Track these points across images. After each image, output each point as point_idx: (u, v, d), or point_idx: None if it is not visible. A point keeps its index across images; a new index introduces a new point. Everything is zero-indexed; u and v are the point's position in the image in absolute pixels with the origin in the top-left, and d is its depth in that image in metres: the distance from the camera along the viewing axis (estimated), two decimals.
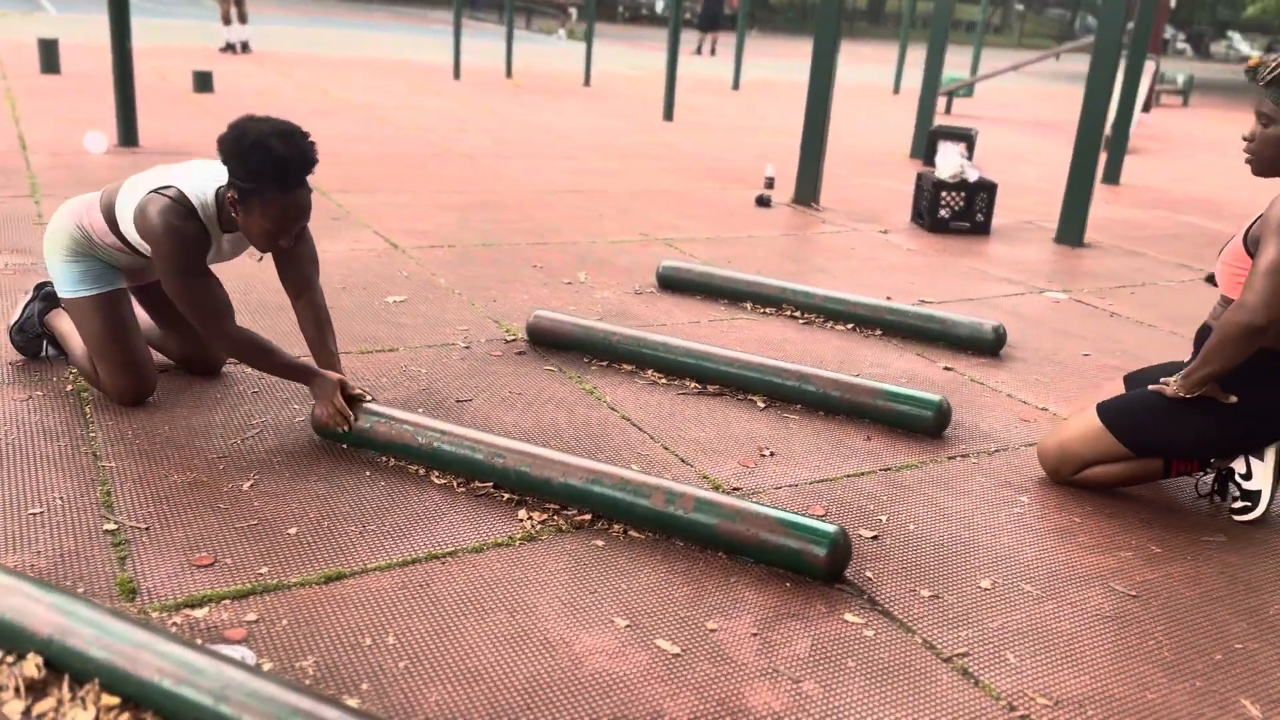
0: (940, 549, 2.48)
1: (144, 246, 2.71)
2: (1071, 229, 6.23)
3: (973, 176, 6.30)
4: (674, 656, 1.99)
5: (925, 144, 9.48)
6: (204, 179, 2.68)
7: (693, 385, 3.40)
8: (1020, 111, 16.39)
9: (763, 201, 6.72)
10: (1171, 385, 2.68)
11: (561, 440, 2.92)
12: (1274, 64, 2.53)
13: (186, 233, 2.58)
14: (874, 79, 20.47)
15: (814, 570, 2.26)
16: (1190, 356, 2.81)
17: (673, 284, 4.50)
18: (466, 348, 3.61)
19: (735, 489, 2.71)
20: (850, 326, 4.20)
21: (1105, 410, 2.79)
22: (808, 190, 6.82)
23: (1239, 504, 2.75)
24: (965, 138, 9.41)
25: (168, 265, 2.59)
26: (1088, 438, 2.80)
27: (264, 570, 2.18)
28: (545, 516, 2.48)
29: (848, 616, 2.17)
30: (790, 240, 5.80)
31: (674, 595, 2.20)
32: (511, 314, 4.01)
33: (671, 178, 7.56)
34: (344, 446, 2.76)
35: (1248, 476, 2.72)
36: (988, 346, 3.97)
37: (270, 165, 2.43)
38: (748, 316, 4.25)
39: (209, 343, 2.69)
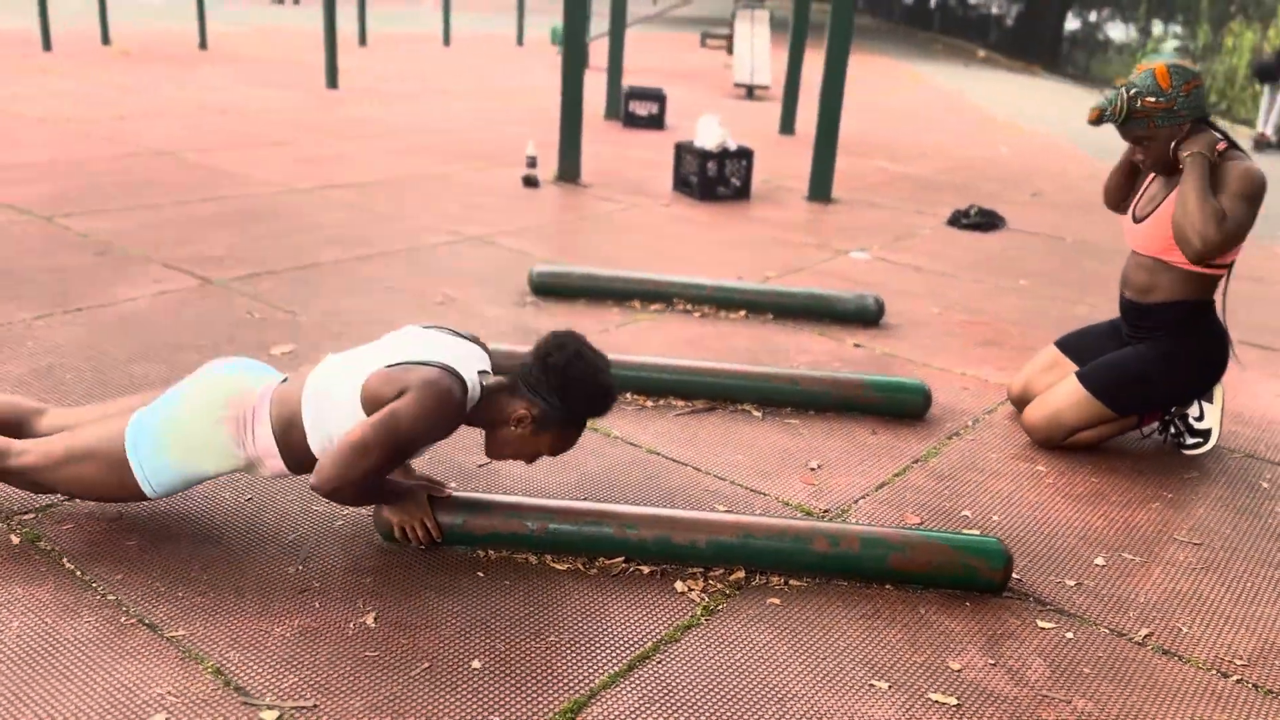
0: (1034, 534, 2.69)
1: (312, 453, 2.25)
2: (821, 187, 6.73)
3: (732, 146, 6.58)
4: (957, 708, 2.02)
5: (622, 104, 9.70)
6: (469, 367, 2.27)
7: (680, 404, 3.34)
8: (663, 60, 17.13)
9: (530, 182, 6.57)
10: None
11: (619, 490, 2.77)
12: (1113, 109, 2.91)
13: (448, 420, 2.17)
14: (494, 29, 20.37)
15: (990, 585, 2.37)
16: (1121, 319, 3.23)
17: (551, 289, 4.32)
18: None
19: (826, 511, 2.74)
20: (743, 314, 4.29)
21: (1090, 382, 3.14)
22: (572, 167, 6.76)
23: (1192, 441, 3.23)
24: (657, 97, 9.76)
25: (396, 423, 2.11)
26: (1078, 408, 3.14)
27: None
28: (701, 584, 2.36)
29: (1041, 624, 2.31)
30: (592, 223, 5.74)
31: (890, 640, 2.21)
32: None
33: (414, 160, 7.13)
34: (420, 547, 2.43)
35: (1200, 418, 3.20)
36: (872, 317, 4.25)
37: (594, 403, 2.26)
38: (650, 317, 4.20)
39: (315, 488, 2.21)
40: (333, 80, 10.74)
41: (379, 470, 2.15)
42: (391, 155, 7.25)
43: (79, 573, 2.24)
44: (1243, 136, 12.85)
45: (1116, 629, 2.31)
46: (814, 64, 9.38)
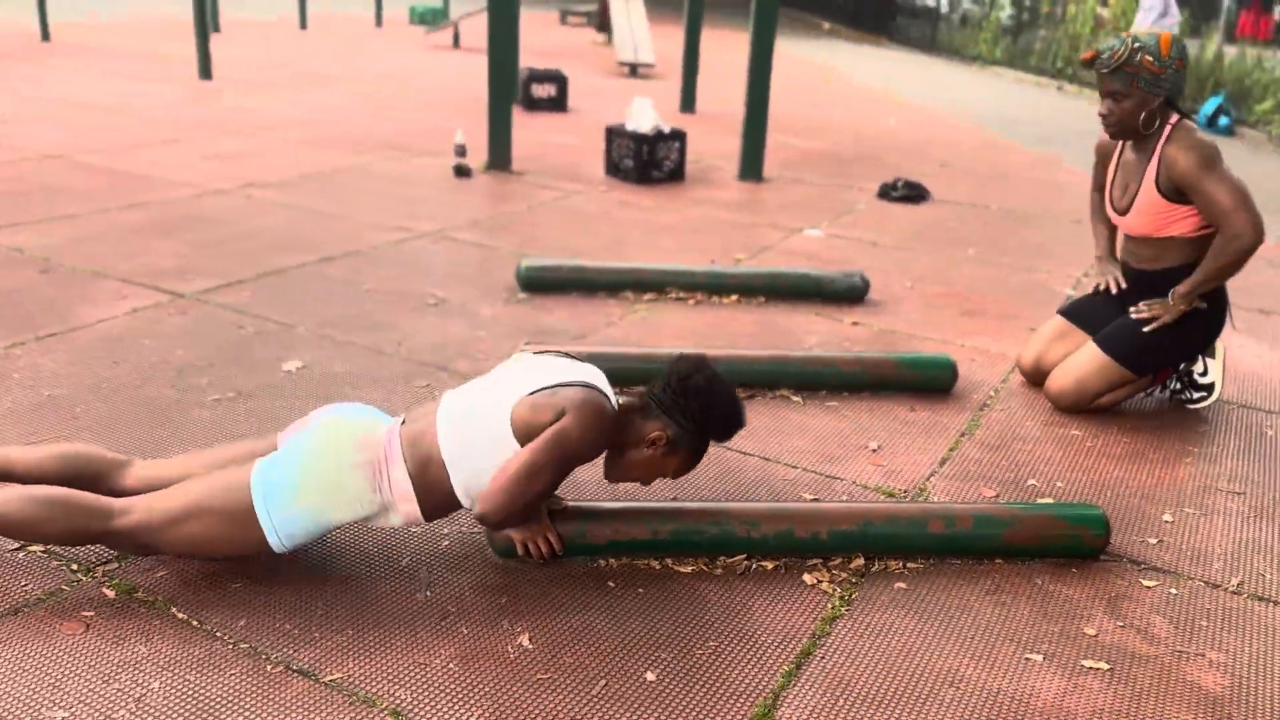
0: (1100, 497, 2.83)
1: (454, 492, 2.20)
2: (752, 167, 6.81)
3: (665, 128, 6.58)
4: (1111, 672, 2.12)
5: (521, 88, 9.54)
6: (604, 386, 2.24)
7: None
8: (527, 40, 16.84)
9: (462, 171, 6.41)
10: (1170, 303, 3.21)
11: (697, 487, 2.76)
12: (1112, 53, 3.10)
13: (607, 435, 2.16)
14: (349, 10, 19.66)
15: (1092, 551, 2.48)
16: (1130, 288, 3.41)
17: (541, 284, 4.24)
18: None
19: (905, 491, 2.81)
20: (735, 298, 4.32)
21: (1110, 348, 3.30)
22: (502, 155, 6.62)
23: (1197, 395, 3.44)
24: (556, 79, 9.66)
25: (561, 444, 2.10)
26: (1101, 373, 3.30)
27: None
28: (827, 574, 2.39)
29: (1145, 583, 2.44)
30: (541, 212, 5.65)
31: (1022, 614, 2.29)
32: (452, 354, 3.54)
33: (323, 153, 6.84)
34: (541, 562, 2.36)
35: (1204, 373, 3.42)
36: (859, 295, 4.35)
37: (727, 426, 2.26)
38: (646, 307, 4.17)
39: (480, 518, 2.15)
40: (206, 71, 10.17)
41: (547, 493, 2.12)
42: (298, 149, 6.94)
43: (195, 622, 2.09)
44: (1095, 104, 13.64)
45: (1210, 581, 2.46)
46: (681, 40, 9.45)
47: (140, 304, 3.84)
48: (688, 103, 9.83)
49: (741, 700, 1.97)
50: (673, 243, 5.16)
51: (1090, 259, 5.37)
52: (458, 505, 2.23)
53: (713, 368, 2.26)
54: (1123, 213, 3.29)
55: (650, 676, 2.02)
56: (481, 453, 2.15)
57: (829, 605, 2.28)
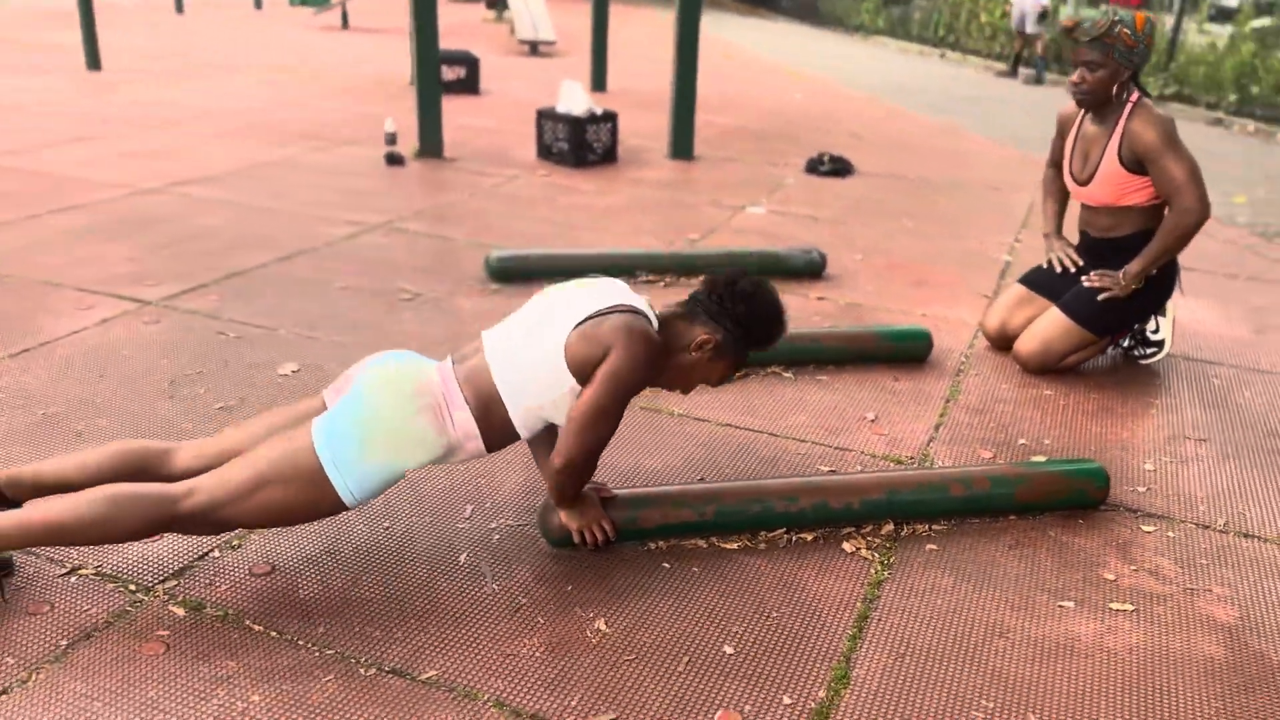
0: (1085, 451, 3.05)
1: (514, 426, 2.24)
2: (683, 146, 6.91)
3: (598, 110, 6.63)
4: (1136, 612, 2.32)
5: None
6: (641, 303, 2.28)
7: None
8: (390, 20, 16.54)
9: (395, 159, 6.34)
10: (1123, 282, 3.47)
11: (719, 467, 2.87)
12: (1094, 23, 3.33)
13: (657, 357, 2.20)
14: None
15: (1095, 502, 2.69)
16: (1086, 256, 3.65)
17: (511, 274, 4.27)
18: None
19: (911, 458, 2.97)
20: (702, 279, 4.42)
21: (1073, 312, 3.53)
22: (434, 142, 6.57)
23: (1149, 351, 3.71)
24: (466, 60, 9.58)
25: (618, 382, 2.15)
26: (1066, 336, 3.53)
27: (787, 700, 2.00)
28: (863, 542, 2.53)
29: (1144, 528, 2.66)
30: (485, 199, 5.65)
31: (1045, 564, 2.48)
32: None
33: (244, 146, 6.67)
34: (596, 548, 2.44)
35: (1156, 330, 3.69)
36: (818, 270, 4.51)
37: (772, 332, 2.34)
38: None
39: (564, 467, 2.22)
40: (94, 61, 9.73)
41: (612, 431, 2.20)
42: (216, 143, 6.74)
43: (274, 633, 2.11)
44: (983, 70, 14.19)
45: (1199, 522, 2.70)
46: (583, 19, 9.48)
47: (108, 313, 3.73)
48: (598, 81, 9.86)
49: (817, 664, 2.09)
50: (624, 225, 5.24)
51: (1015, 226, 5.66)
52: (517, 437, 2.28)
53: (759, 278, 2.34)
54: (1084, 183, 3.51)
55: (729, 650, 2.12)
56: (541, 388, 2.20)
57: (871, 570, 2.42)
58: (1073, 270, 3.70)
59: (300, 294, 4.02)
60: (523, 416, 2.24)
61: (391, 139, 6.50)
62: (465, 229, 5.04)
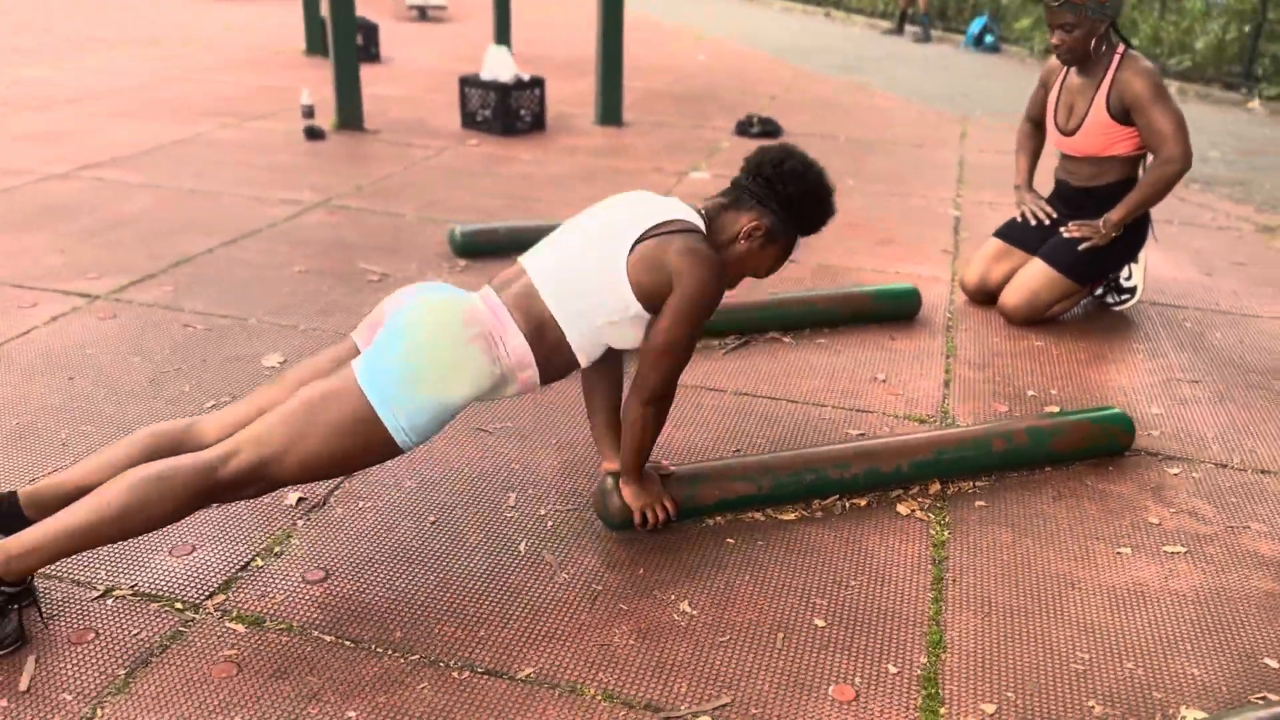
0: (1091, 398, 3.12)
1: (572, 350, 2.12)
2: (611, 111, 6.79)
3: (525, 76, 6.45)
4: (1188, 553, 2.38)
5: (323, 37, 9.02)
6: (686, 211, 2.18)
7: (715, 342, 3.41)
8: None
9: (315, 134, 6.04)
10: (1104, 230, 3.56)
11: (745, 437, 2.83)
12: None
13: (723, 276, 2.10)
14: None
15: (1121, 448, 2.76)
16: (1064, 206, 3.73)
17: (478, 249, 4.12)
18: None
19: (930, 416, 2.99)
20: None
21: (1055, 262, 3.60)
22: (354, 113, 6.29)
23: (1122, 297, 3.82)
24: (364, 26, 9.22)
25: (692, 312, 2.07)
26: (1051, 286, 3.60)
27: (893, 669, 1.98)
28: (914, 504, 2.53)
29: (1170, 470, 2.74)
30: (422, 172, 5.43)
31: (1091, 513, 2.53)
32: None
33: (147, 125, 6.25)
34: (657, 528, 2.37)
35: (1129, 278, 3.79)
36: None
37: (823, 213, 2.22)
38: None
39: (649, 399, 2.15)
40: None
41: (689, 358, 2.14)
42: (116, 122, 6.30)
43: (349, 642, 1.98)
44: (869, 28, 14.39)
45: (1217, 462, 2.79)
46: None
47: (54, 311, 3.44)
48: (501, 43, 9.58)
49: (909, 630, 2.08)
50: (574, 195, 5.12)
51: (953, 182, 5.76)
52: (576, 366, 2.16)
53: (807, 158, 2.21)
54: (1070, 133, 3.57)
55: (819, 622, 2.09)
56: (604, 310, 2.09)
57: (931, 531, 2.42)
58: (1046, 223, 3.77)
59: (258, 280, 3.79)
60: (581, 340, 2.11)
61: (309, 112, 6.20)
62: (412, 204, 4.84)
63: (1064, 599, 2.19)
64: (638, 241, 2.10)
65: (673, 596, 2.15)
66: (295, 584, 2.14)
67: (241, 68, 8.45)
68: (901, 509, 2.50)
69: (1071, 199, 3.72)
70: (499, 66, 6.33)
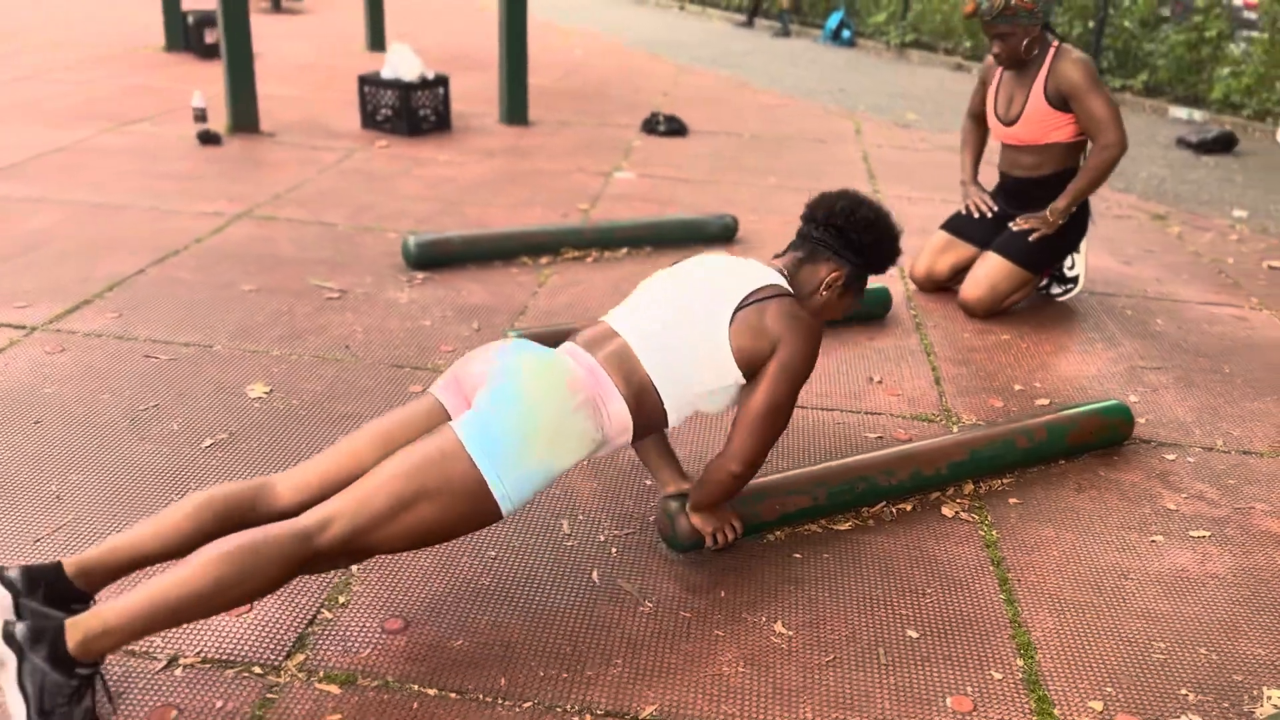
0: (1073, 390, 3.26)
1: (667, 416, 2.10)
2: (517, 110, 6.65)
3: (430, 74, 6.25)
4: (1212, 536, 2.53)
5: (190, 33, 8.53)
6: (774, 274, 2.20)
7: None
8: None
9: (210, 138, 5.68)
10: (1050, 219, 3.72)
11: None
12: (991, 4, 3.55)
13: (819, 347, 2.14)
14: None
15: (1124, 438, 2.90)
16: (1008, 198, 3.90)
17: (433, 260, 3.97)
18: None
19: (936, 415, 3.07)
20: (625, 251, 4.32)
21: (1011, 254, 3.76)
22: (248, 115, 5.95)
23: (1066, 286, 4.01)
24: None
25: (794, 379, 2.09)
26: (1009, 278, 3.76)
27: (997, 675, 2.03)
28: (957, 505, 2.60)
29: (1167, 456, 2.90)
30: (340, 177, 5.19)
31: (1113, 504, 2.65)
32: (413, 352, 3.25)
33: (18, 132, 5.75)
34: (724, 548, 2.35)
35: (1072, 267, 3.99)
36: (731, 234, 4.52)
37: (894, 255, 2.28)
38: (553, 270, 4.05)
39: (742, 470, 2.12)
40: None
41: (785, 428, 2.15)
42: None
43: (454, 694, 1.88)
44: (726, 21, 14.60)
45: (1204, 445, 2.97)
46: None
47: None
48: (376, 39, 9.28)
49: (996, 634, 2.13)
50: (505, 198, 5.00)
51: (865, 176, 5.92)
52: (664, 428, 2.15)
53: (875, 203, 2.28)
54: (1010, 123, 3.72)
55: (912, 634, 2.12)
56: (704, 376, 2.09)
57: (980, 532, 2.49)
58: (990, 215, 3.93)
59: (207, 302, 3.54)
60: (676, 404, 2.10)
61: (201, 115, 5.83)
62: (339, 212, 4.62)
63: (1122, 591, 2.29)
64: (740, 306, 2.09)
65: (763, 618, 2.14)
66: (375, 635, 2.01)
67: (101, 65, 7.87)
68: (946, 511, 2.56)
69: (1016, 191, 3.89)
70: (402, 64, 6.11)
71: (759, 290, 2.12)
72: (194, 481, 2.49)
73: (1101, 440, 2.85)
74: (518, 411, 1.91)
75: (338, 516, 1.80)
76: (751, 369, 2.10)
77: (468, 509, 1.87)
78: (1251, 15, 9.53)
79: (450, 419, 2.02)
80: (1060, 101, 3.62)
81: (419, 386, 3.04)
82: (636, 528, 2.42)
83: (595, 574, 2.24)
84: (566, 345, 2.15)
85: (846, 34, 12.84)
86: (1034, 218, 3.77)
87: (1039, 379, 3.34)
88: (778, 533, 2.43)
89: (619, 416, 2.04)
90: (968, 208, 3.99)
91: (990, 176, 4.30)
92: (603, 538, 2.37)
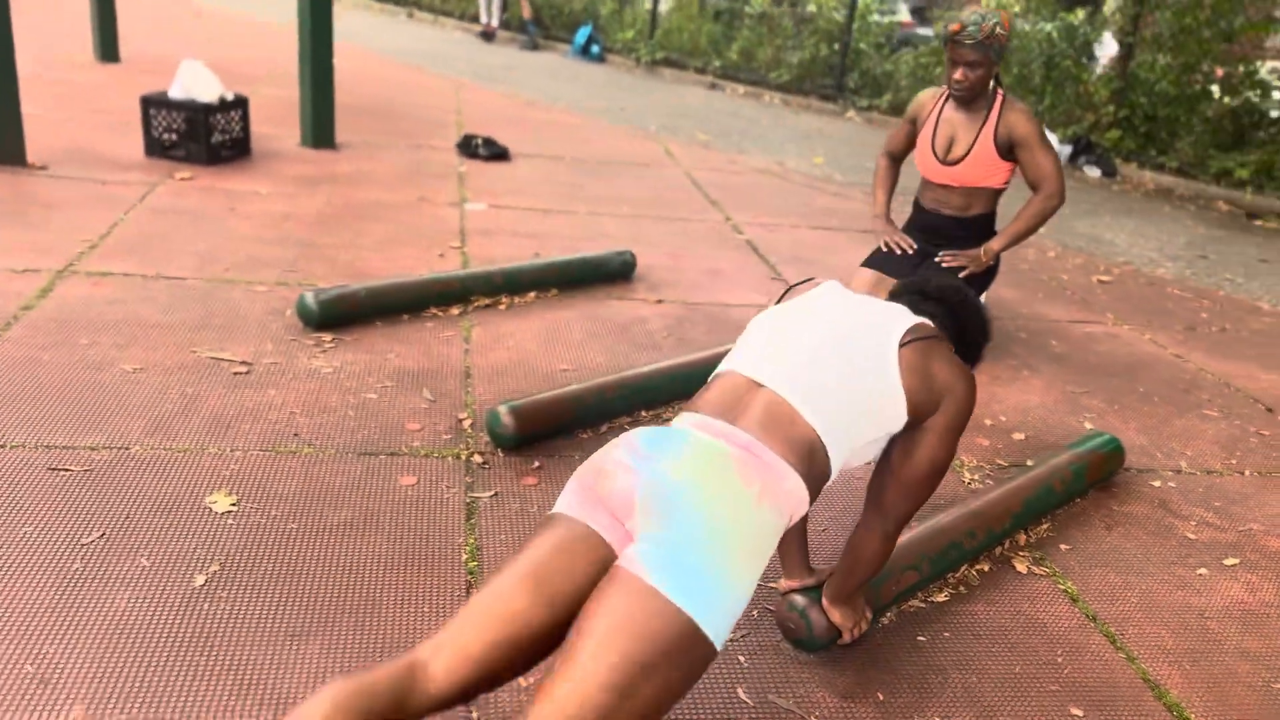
0: (1032, 420, 3.37)
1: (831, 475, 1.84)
2: (323, 133, 6.06)
3: (229, 95, 5.54)
4: (1240, 563, 2.67)
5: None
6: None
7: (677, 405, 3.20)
8: None
9: None
10: (983, 259, 3.85)
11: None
12: (979, 28, 3.69)
13: None
14: None
15: (1117, 470, 3.02)
16: (931, 235, 4.01)
17: (336, 318, 3.49)
18: (479, 462, 2.59)
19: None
20: (532, 295, 4.01)
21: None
22: (13, 141, 5.00)
23: None
24: None
25: (957, 435, 1.96)
26: None
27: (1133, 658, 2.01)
28: (1022, 559, 2.58)
29: (1154, 483, 3.05)
30: (159, 218, 4.46)
31: (1140, 538, 2.74)
32: (372, 434, 2.81)
33: None
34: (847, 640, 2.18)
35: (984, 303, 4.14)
36: (629, 271, 4.34)
37: (982, 354, 2.21)
38: (472, 319, 3.67)
39: (896, 530, 1.95)
40: None
41: (953, 452, 1.98)
42: None
43: None
44: (463, 30, 14.22)
45: (1174, 468, 3.16)
46: None
47: None
48: (108, 49, 8.14)
49: (1138, 696, 2.12)
50: (365, 237, 4.51)
51: (709, 205, 5.90)
52: (828, 480, 1.86)
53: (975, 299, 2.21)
54: (953, 163, 3.79)
55: (1078, 712, 2.06)
56: (876, 425, 1.88)
57: (1051, 583, 2.48)
58: (910, 253, 4.01)
59: (89, 389, 2.90)
60: (841, 457, 1.84)
61: None
62: (182, 264, 3.97)
63: (1210, 632, 2.36)
64: (901, 346, 1.90)
65: (876, 691, 2.00)
66: None
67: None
68: (1019, 567, 2.54)
69: (936, 228, 3.98)
70: (196, 84, 5.37)
71: (913, 329, 1.95)
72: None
73: (1106, 475, 2.95)
74: (705, 532, 1.60)
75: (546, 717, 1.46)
76: (916, 417, 1.92)
77: (689, 664, 1.56)
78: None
79: (605, 543, 1.70)
80: (1008, 150, 3.73)
81: (412, 478, 2.62)
82: (752, 629, 2.20)
83: (741, 690, 2.01)
84: (692, 419, 1.82)
85: (595, 49, 12.87)
86: (964, 255, 3.85)
87: (1000, 412, 3.42)
88: (888, 615, 2.30)
89: (796, 493, 1.75)
90: (887, 244, 4.03)
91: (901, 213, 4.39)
92: (728, 646, 2.13)
